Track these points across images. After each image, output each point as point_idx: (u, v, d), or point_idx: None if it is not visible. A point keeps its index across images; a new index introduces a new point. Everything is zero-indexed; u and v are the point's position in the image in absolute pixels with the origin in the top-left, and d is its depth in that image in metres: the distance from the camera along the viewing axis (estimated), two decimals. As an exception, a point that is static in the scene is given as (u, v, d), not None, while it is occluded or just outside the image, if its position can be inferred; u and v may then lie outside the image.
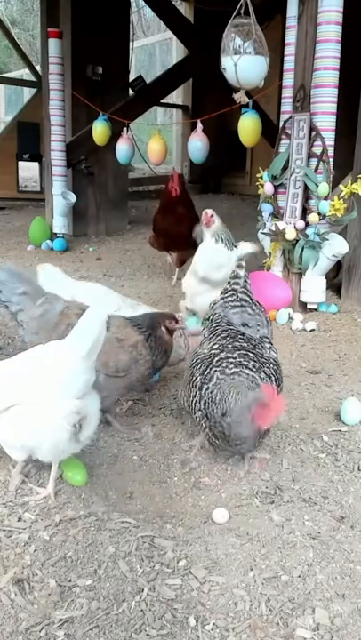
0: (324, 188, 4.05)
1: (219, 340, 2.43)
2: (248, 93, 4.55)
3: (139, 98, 7.74)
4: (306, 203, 4.23)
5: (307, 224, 4.19)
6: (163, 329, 2.78)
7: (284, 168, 4.35)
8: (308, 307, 4.38)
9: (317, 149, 4.14)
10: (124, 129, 6.43)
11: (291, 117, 4.26)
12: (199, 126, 5.54)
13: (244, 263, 2.69)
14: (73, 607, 1.69)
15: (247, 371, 2.28)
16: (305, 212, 4.22)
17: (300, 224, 4.18)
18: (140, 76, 7.68)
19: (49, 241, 6.91)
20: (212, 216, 3.91)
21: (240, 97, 4.44)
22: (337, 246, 4.17)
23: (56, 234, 6.96)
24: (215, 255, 3.87)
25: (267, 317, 2.61)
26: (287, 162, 4.31)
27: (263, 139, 5.21)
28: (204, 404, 2.28)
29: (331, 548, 1.96)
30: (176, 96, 11.66)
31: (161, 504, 2.24)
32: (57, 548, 1.90)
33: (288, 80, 4.34)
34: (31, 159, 10.68)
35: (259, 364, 2.32)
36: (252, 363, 2.31)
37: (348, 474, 2.41)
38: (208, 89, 9.98)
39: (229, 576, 1.83)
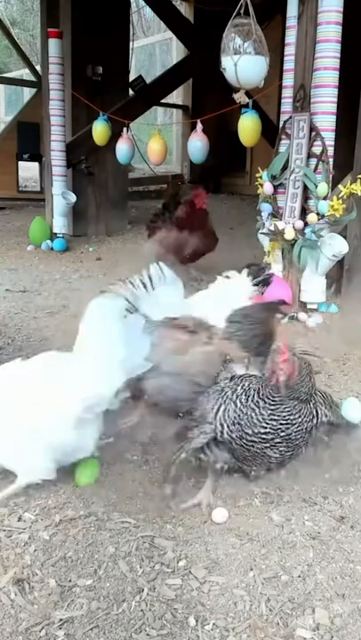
0: (323, 188, 4.06)
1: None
2: (248, 93, 4.56)
3: (139, 98, 7.74)
4: (305, 203, 4.23)
5: (306, 224, 4.19)
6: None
7: (284, 168, 4.35)
8: (308, 307, 4.38)
9: (317, 149, 4.14)
10: (124, 129, 6.44)
11: (291, 117, 4.26)
12: (199, 126, 5.55)
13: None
14: (73, 607, 1.69)
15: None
16: (304, 211, 4.23)
17: (300, 224, 4.18)
18: (140, 76, 7.69)
19: (49, 241, 6.91)
20: None
21: (240, 97, 4.44)
22: (337, 246, 4.17)
23: (56, 234, 6.96)
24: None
25: None
26: (287, 162, 4.31)
27: (263, 139, 5.21)
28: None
29: (331, 548, 1.96)
30: (176, 96, 11.66)
31: (161, 504, 2.23)
32: (57, 548, 1.91)
33: (288, 80, 4.34)
34: (31, 159, 10.66)
35: None
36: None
37: (348, 474, 2.41)
38: (208, 89, 9.97)
39: (229, 576, 1.83)
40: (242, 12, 4.20)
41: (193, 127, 5.90)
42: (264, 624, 1.65)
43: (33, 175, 11.19)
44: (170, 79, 8.56)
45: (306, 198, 4.23)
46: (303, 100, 4.18)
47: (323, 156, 4.12)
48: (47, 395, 2.10)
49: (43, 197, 7.82)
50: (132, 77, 7.97)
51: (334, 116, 4.14)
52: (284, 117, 4.39)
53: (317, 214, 4.11)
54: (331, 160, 4.15)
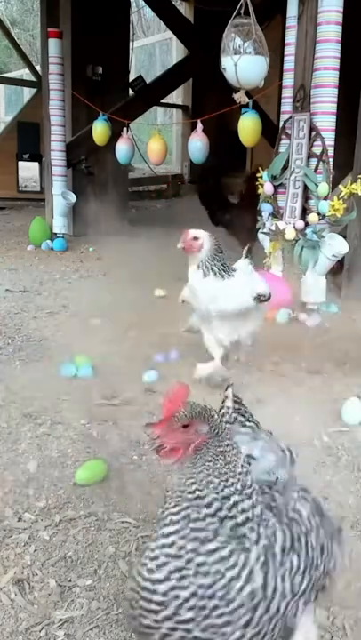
0: (323, 188, 4.05)
1: None
2: (248, 93, 4.56)
3: (139, 98, 7.74)
4: (306, 203, 4.23)
5: (306, 224, 4.19)
6: None
7: (284, 168, 4.34)
8: (308, 307, 4.38)
9: (317, 149, 4.14)
10: (124, 129, 6.44)
11: (291, 117, 4.26)
12: (199, 126, 5.55)
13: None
14: (73, 607, 1.69)
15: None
16: (305, 211, 4.22)
17: (300, 224, 4.18)
18: (140, 76, 7.69)
19: (49, 241, 6.92)
20: (196, 239, 2.98)
21: (240, 97, 4.44)
22: (337, 246, 4.16)
23: (56, 234, 6.96)
24: (205, 291, 3.05)
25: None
26: (287, 162, 4.31)
27: (263, 139, 5.21)
28: None
29: (331, 548, 1.96)
30: (176, 96, 11.67)
31: (161, 504, 2.23)
32: (57, 548, 1.91)
33: (288, 80, 4.34)
34: (31, 159, 10.68)
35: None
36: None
37: (348, 474, 2.41)
38: (208, 89, 9.97)
39: (229, 576, 1.82)
40: (242, 12, 4.20)
41: (193, 127, 5.91)
42: (264, 624, 1.65)
43: (33, 175, 11.20)
44: (170, 79, 8.56)
45: (306, 198, 4.22)
46: (303, 100, 4.18)
47: (323, 156, 4.11)
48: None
49: (43, 197, 7.83)
50: (132, 77, 7.97)
51: (334, 116, 4.13)
52: (284, 117, 4.39)
53: (318, 214, 4.11)
54: (331, 160, 4.15)
